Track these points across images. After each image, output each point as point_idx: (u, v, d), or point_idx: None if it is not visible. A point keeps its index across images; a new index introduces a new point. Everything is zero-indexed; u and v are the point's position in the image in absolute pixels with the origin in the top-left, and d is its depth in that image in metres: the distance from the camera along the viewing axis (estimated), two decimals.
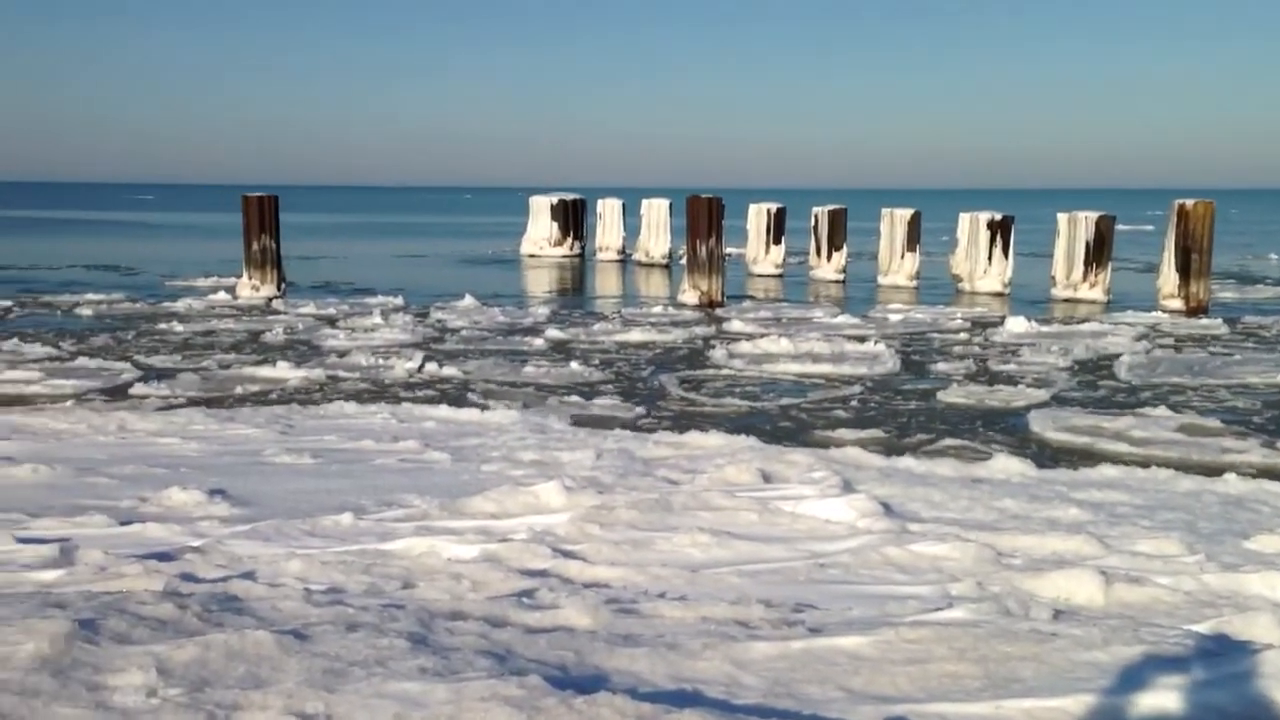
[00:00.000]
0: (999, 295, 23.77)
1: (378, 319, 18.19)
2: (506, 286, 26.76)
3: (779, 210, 30.51)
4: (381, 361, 13.97)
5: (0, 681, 3.06)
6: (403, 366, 13.49)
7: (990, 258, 24.45)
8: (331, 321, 18.44)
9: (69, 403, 11.04)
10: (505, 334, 17.08)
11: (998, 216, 24.50)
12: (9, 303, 20.57)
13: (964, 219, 25.08)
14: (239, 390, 11.92)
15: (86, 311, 19.63)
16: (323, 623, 3.80)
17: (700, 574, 5.66)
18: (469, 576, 5.21)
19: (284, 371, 13.04)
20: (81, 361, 13.82)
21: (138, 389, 11.86)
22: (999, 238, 24.39)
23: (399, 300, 21.35)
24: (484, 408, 10.83)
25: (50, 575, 4.79)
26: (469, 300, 20.71)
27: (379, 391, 12.10)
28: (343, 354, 14.77)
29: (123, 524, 6.27)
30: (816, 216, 29.10)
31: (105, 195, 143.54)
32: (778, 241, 30.20)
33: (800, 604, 4.95)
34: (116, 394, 11.72)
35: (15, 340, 15.45)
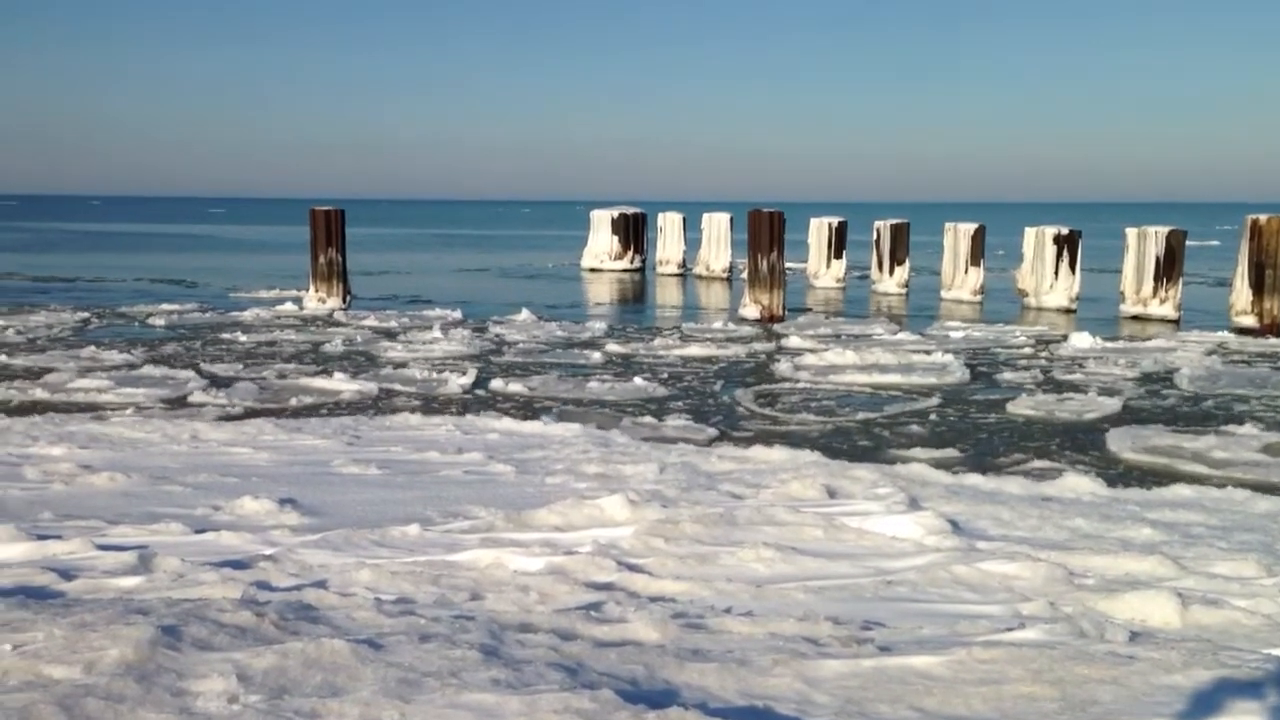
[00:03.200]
0: (1066, 311, 23.44)
1: (436, 332, 18.37)
2: (565, 300, 26.90)
3: (840, 224, 30.39)
4: (437, 375, 14.09)
5: (86, 686, 3.13)
6: (457, 380, 13.58)
7: (1057, 273, 24.11)
8: (391, 334, 18.67)
9: (128, 410, 11.31)
10: (563, 347, 17.17)
11: (1064, 231, 24.17)
12: (87, 314, 21.12)
13: (1029, 233, 24.77)
14: (294, 401, 12.07)
15: (159, 322, 20.08)
16: (396, 633, 3.84)
17: (766, 589, 5.63)
18: (536, 589, 5.24)
19: (339, 383, 13.20)
20: (149, 370, 14.13)
21: (198, 397, 12.11)
22: (1065, 252, 24.05)
23: (457, 314, 21.56)
24: (547, 420, 10.90)
25: (130, 582, 4.90)
26: (525, 315, 20.86)
27: (435, 404, 12.21)
28: (400, 366, 14.96)
29: (197, 532, 6.38)
30: (879, 230, 28.93)
31: (180, 209, 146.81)
32: (839, 256, 30.06)
33: (868, 621, 4.91)
34: (181, 403, 11.97)
35: (92, 349, 15.90)
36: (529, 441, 9.88)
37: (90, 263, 39.45)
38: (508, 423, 10.71)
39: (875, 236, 29.03)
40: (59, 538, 5.93)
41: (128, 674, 3.22)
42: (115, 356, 15.19)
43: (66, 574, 5.01)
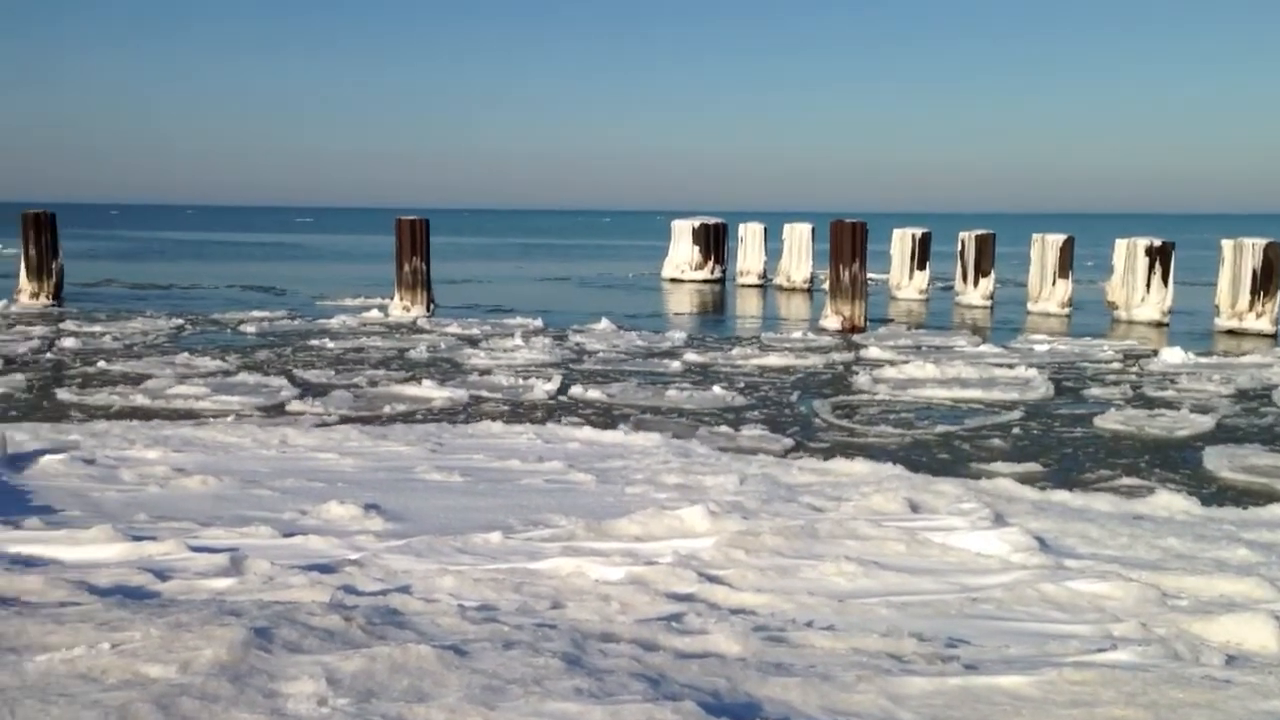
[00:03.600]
0: (1158, 325, 22.87)
1: (518, 340, 18.55)
2: (645, 309, 26.97)
3: (924, 235, 30.02)
4: (521, 381, 14.22)
5: (182, 685, 3.21)
6: (542, 388, 13.69)
7: (1149, 285, 23.54)
8: (473, 341, 18.88)
9: (229, 418, 11.56)
10: (643, 356, 17.21)
11: (1157, 242, 23.59)
12: (181, 320, 21.69)
13: (1120, 245, 24.22)
14: (387, 409, 12.26)
15: (250, 329, 20.55)
16: (480, 639, 3.88)
17: (848, 604, 5.58)
18: (617, 598, 5.25)
19: (429, 391, 13.37)
20: (244, 376, 14.46)
21: (295, 405, 12.35)
22: (1158, 265, 23.47)
23: (538, 322, 21.74)
24: (627, 430, 10.93)
25: (223, 583, 5.02)
26: (605, 324, 20.97)
27: (520, 412, 12.32)
28: (484, 373, 15.13)
29: (286, 535, 6.51)
30: (963, 241, 28.51)
31: (268, 218, 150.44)
32: (922, 267, 29.70)
33: (954, 639, 4.84)
34: (274, 410, 12.23)
35: (186, 355, 16.31)
36: (609, 451, 9.92)
37: (184, 271, 40.56)
38: (588, 432, 10.76)
39: (960, 247, 28.62)
40: (154, 539, 6.09)
41: (221, 674, 3.30)
42: (209, 363, 15.54)
43: (162, 574, 5.15)
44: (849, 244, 21.39)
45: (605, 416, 11.98)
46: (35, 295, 24.76)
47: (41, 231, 25.07)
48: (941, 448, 10.64)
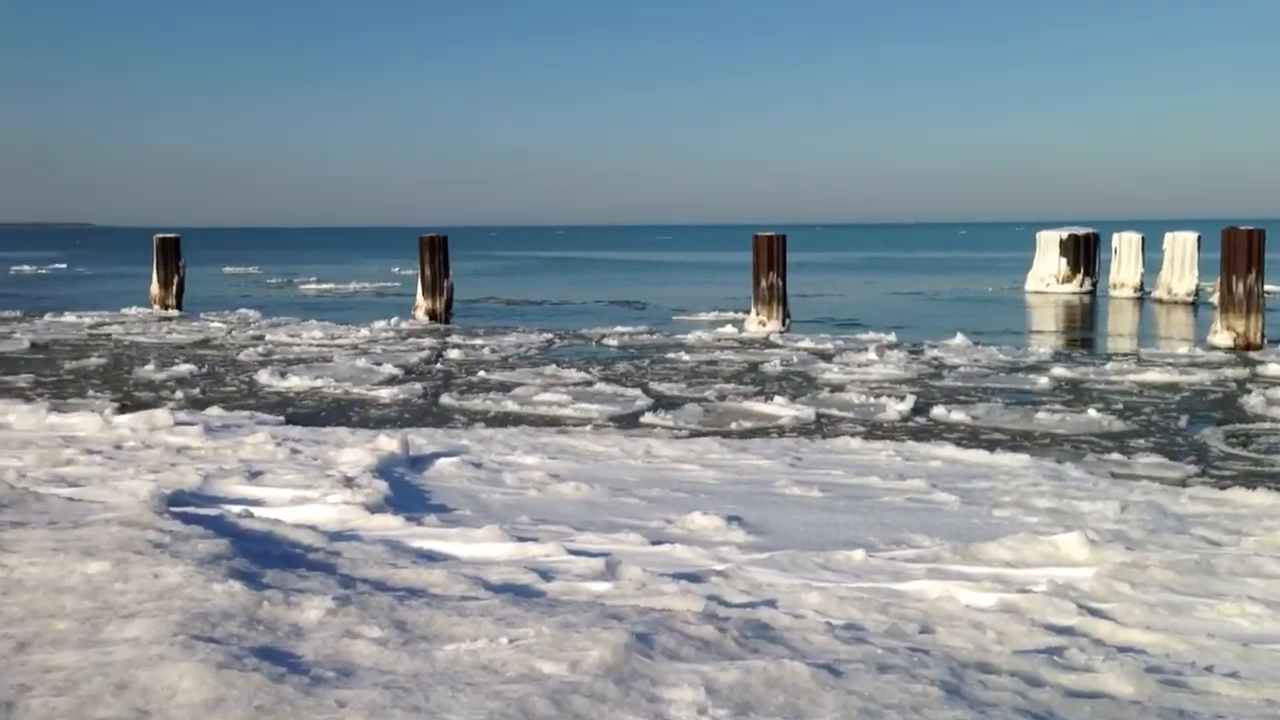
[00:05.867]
0: None
1: (871, 354, 18.29)
2: (1006, 324, 25.82)
3: None
4: (873, 400, 13.96)
5: (573, 684, 3.38)
6: (895, 407, 13.34)
7: None
8: (826, 356, 18.81)
9: (587, 427, 12.20)
10: (1006, 372, 16.47)
11: None
12: (551, 335, 23.15)
13: None
14: (734, 425, 12.39)
15: (612, 343, 21.58)
16: (852, 660, 3.83)
17: (1253, 649, 5.04)
18: (991, 627, 5.02)
19: (778, 408, 13.38)
20: (601, 387, 15.19)
21: (647, 417, 12.81)
22: None
23: (892, 337, 21.34)
24: (991, 449, 10.48)
25: (601, 587, 5.25)
26: (961, 338, 20.26)
27: (876, 429, 12.10)
28: (836, 389, 15.01)
29: (654, 543, 6.73)
30: None
31: (630, 237, 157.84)
32: None
33: None
34: (629, 419, 12.75)
35: (554, 366, 17.41)
36: (974, 471, 9.55)
37: (554, 287, 43.23)
38: (951, 450, 10.41)
39: None
40: (535, 540, 6.48)
41: (607, 675, 3.44)
42: (573, 374, 16.52)
43: (546, 575, 5.46)
44: (1244, 253, 19.50)
45: (968, 438, 11.52)
46: (430, 312, 27.25)
47: (435, 253, 27.56)
48: None
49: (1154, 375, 15.47)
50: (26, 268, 62.72)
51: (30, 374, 16.91)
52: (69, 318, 27.39)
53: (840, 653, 3.98)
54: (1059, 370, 16.21)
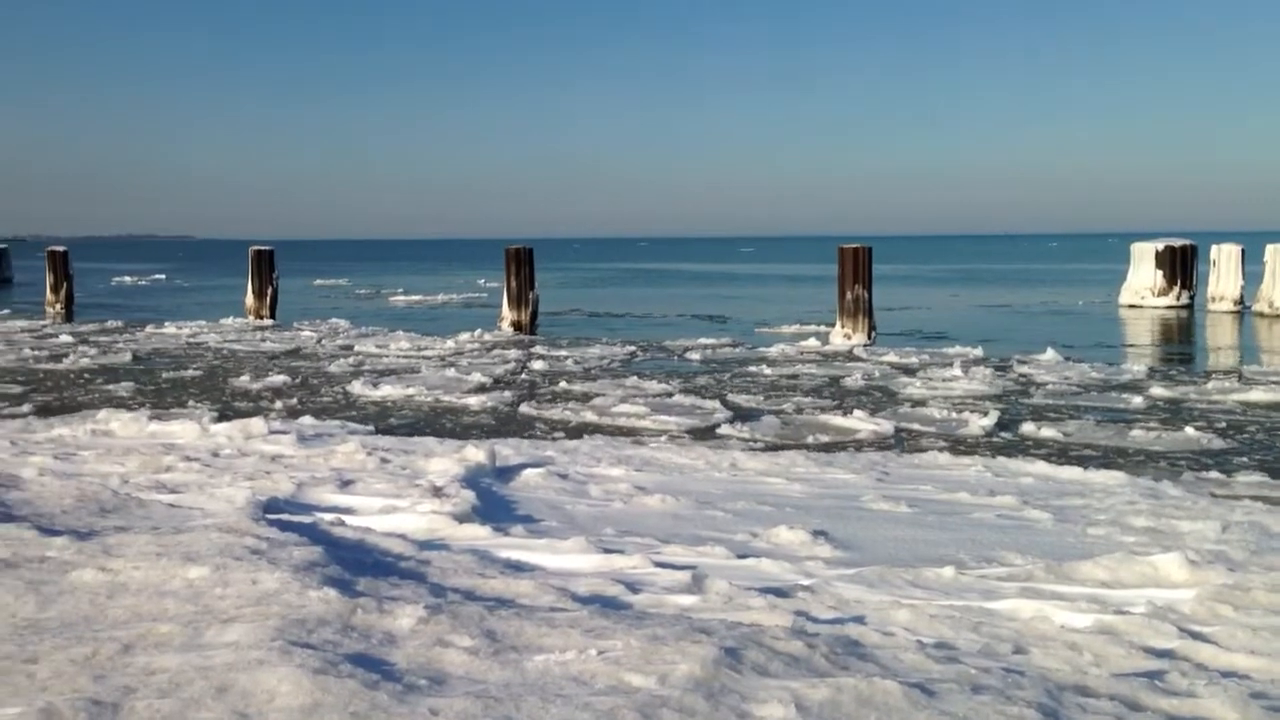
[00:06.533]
0: None
1: (956, 370, 17.99)
2: (1098, 338, 25.23)
3: None
4: (956, 414, 13.72)
5: (662, 697, 3.38)
6: (978, 422, 13.09)
7: None
8: (909, 370, 18.56)
9: (663, 437, 12.21)
10: (1099, 389, 16.07)
11: None
12: (634, 347, 23.22)
13: None
14: (810, 439, 12.26)
15: (694, 355, 21.55)
16: (945, 679, 3.77)
17: None
18: (1087, 648, 4.90)
19: (856, 422, 13.22)
20: (679, 399, 15.18)
21: (723, 430, 12.76)
22: None
23: (978, 351, 20.98)
24: (1084, 466, 10.25)
25: (687, 600, 5.24)
26: (1051, 353, 19.83)
27: (962, 445, 11.90)
28: (917, 404, 14.80)
29: (739, 557, 6.70)
30: None
31: (713, 249, 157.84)
32: None
33: None
34: (705, 432, 12.73)
35: (635, 378, 17.46)
36: (1066, 488, 9.34)
37: (638, 299, 43.36)
38: (1042, 467, 10.20)
39: None
40: (621, 552, 6.50)
41: (696, 690, 3.44)
42: (654, 386, 16.56)
43: (633, 587, 5.47)
44: None
45: (1059, 455, 11.26)
46: (515, 324, 27.50)
47: (520, 265, 27.84)
48: None
49: (1258, 395, 14.97)
50: (128, 279, 64.78)
51: (131, 382, 17.46)
52: (169, 328, 28.22)
53: (933, 671, 3.92)
54: (1157, 389, 15.75)
